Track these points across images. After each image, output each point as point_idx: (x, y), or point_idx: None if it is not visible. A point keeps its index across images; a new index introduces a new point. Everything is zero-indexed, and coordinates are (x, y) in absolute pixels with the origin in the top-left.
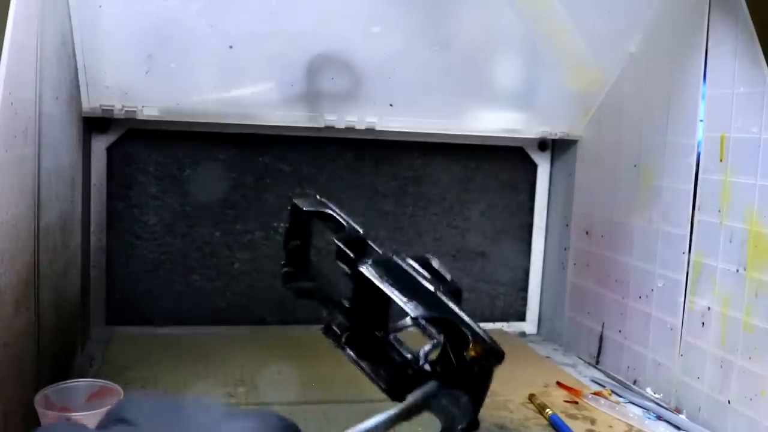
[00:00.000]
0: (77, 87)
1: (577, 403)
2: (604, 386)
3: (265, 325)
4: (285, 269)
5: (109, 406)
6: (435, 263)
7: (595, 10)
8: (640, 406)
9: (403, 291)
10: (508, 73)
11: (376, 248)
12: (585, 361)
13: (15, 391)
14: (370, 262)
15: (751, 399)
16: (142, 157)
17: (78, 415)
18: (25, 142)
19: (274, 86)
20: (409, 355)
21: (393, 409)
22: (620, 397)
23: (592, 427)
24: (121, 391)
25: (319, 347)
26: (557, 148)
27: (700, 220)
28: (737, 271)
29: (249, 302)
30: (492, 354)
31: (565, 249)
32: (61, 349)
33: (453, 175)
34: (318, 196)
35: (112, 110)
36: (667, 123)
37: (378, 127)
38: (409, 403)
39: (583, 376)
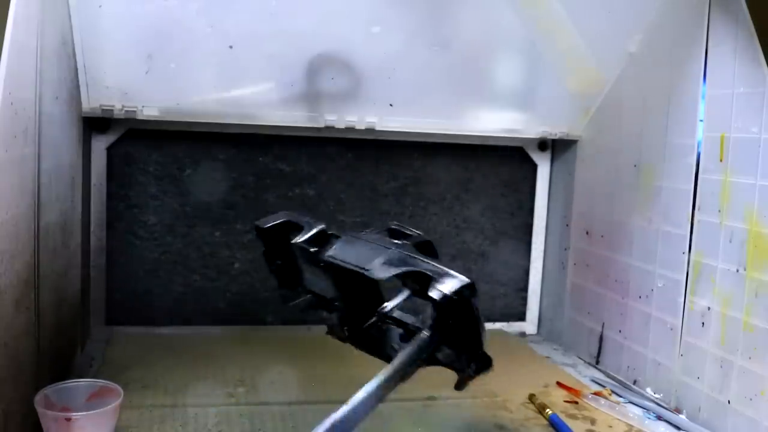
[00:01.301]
0: (77, 87)
1: (577, 403)
2: (604, 386)
3: (265, 325)
4: (280, 291)
5: (109, 407)
6: (394, 225)
7: (595, 10)
8: (640, 406)
9: (362, 261)
10: (508, 73)
11: (339, 235)
12: (585, 361)
13: (15, 390)
14: (328, 249)
15: (751, 399)
16: (142, 157)
17: (78, 415)
18: (25, 142)
19: (274, 86)
20: (410, 324)
21: (385, 370)
22: (620, 397)
23: (592, 427)
24: (122, 391)
25: (319, 347)
26: (557, 148)
27: (700, 220)
28: (737, 271)
29: (249, 302)
30: (462, 284)
31: (565, 249)
32: (61, 349)
33: (453, 175)
34: (280, 212)
35: (112, 110)
36: (667, 123)
37: (378, 127)
38: (401, 359)
39: (583, 376)
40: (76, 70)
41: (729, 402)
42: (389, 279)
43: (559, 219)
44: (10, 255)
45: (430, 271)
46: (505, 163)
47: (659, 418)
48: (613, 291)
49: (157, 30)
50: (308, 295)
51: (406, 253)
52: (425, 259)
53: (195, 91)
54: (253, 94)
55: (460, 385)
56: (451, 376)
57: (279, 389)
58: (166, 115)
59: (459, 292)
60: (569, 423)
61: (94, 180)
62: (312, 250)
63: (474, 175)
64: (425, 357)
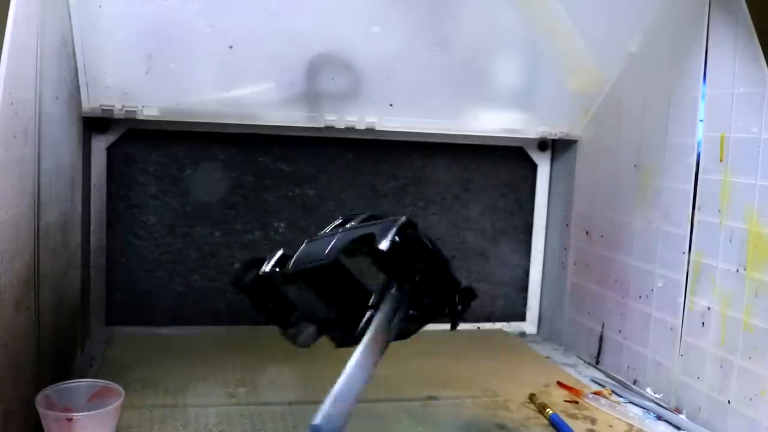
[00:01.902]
0: (77, 87)
1: (577, 402)
2: (604, 386)
3: (265, 325)
4: (284, 334)
5: (110, 407)
6: (342, 216)
7: (595, 10)
8: (640, 406)
9: (314, 256)
10: (507, 73)
11: (296, 252)
12: (585, 361)
13: (15, 391)
14: (288, 264)
15: (751, 399)
16: (142, 157)
17: (80, 416)
18: (25, 142)
19: (274, 86)
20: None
21: (367, 333)
22: (620, 397)
23: (593, 427)
24: (122, 392)
25: (319, 347)
26: (557, 148)
27: (700, 220)
28: (737, 271)
29: (249, 302)
30: (399, 225)
31: (565, 249)
32: (61, 349)
33: (453, 175)
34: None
35: (112, 110)
36: (667, 123)
37: (378, 127)
38: (379, 318)
39: (583, 376)
40: (76, 70)
41: (729, 402)
42: (338, 256)
43: (559, 219)
44: (10, 255)
45: (369, 230)
46: (505, 163)
47: (659, 418)
48: (613, 291)
49: (157, 30)
50: (311, 326)
51: (351, 228)
52: (365, 224)
53: (195, 91)
54: (253, 94)
55: (453, 325)
56: (451, 376)
57: (279, 389)
58: (166, 115)
59: (400, 233)
60: (570, 423)
61: (94, 180)
62: (274, 272)
63: (474, 175)
64: (406, 310)
